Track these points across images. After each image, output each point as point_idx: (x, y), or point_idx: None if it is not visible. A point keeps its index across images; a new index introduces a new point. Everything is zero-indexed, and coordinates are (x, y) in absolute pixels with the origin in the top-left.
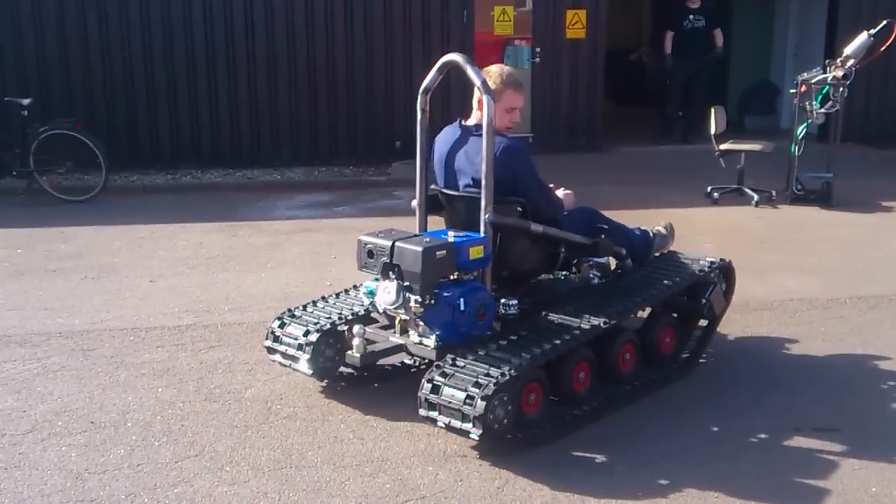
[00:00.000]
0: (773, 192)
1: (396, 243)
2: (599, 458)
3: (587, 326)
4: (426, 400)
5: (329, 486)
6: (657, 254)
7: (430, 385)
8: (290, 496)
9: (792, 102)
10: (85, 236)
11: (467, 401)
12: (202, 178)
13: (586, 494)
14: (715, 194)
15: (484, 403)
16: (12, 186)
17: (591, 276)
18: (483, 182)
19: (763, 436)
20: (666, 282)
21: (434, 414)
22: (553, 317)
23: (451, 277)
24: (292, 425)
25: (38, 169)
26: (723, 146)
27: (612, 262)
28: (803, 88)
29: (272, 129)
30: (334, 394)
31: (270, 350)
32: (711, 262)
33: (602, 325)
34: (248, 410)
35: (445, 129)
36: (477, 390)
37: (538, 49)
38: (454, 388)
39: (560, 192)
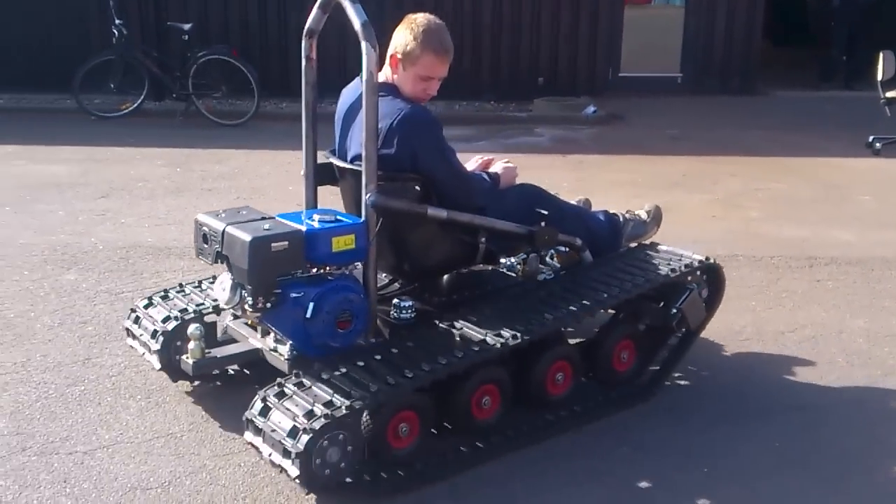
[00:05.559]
0: None
1: (227, 228)
2: None
3: (493, 341)
4: (251, 421)
5: None
6: (636, 243)
7: (260, 405)
8: None
9: None
10: (237, 159)
11: (290, 435)
12: None
13: None
14: (877, 145)
15: (307, 438)
16: (172, 108)
17: (537, 269)
18: (363, 154)
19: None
20: (625, 284)
21: (258, 441)
22: (458, 325)
23: (324, 270)
24: None
25: (196, 92)
26: (889, 94)
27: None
28: None
29: None
30: None
31: (129, 332)
32: (692, 262)
33: (511, 340)
34: None
35: (351, 84)
36: (306, 422)
37: None
38: (284, 413)
39: (498, 166)
